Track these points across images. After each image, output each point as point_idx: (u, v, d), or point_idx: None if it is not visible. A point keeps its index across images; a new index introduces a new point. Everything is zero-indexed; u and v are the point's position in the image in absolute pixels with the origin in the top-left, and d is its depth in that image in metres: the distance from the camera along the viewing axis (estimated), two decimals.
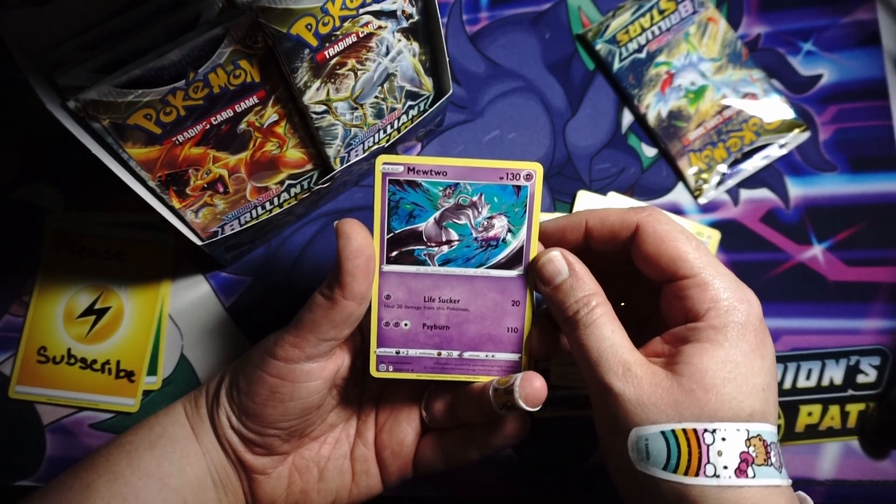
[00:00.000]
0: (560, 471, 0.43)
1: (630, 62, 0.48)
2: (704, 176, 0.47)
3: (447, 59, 0.39)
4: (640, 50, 0.48)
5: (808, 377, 0.45)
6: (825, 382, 0.45)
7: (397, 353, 0.34)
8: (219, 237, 0.39)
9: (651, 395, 0.28)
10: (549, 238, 0.34)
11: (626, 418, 0.29)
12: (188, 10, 0.32)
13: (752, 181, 0.47)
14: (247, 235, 0.41)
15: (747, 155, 0.47)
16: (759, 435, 0.28)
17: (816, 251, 0.46)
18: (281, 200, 0.41)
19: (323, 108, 0.37)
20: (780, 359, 0.45)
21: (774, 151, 0.47)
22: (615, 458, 0.30)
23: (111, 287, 0.44)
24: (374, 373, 0.34)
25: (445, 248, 0.33)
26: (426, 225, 0.33)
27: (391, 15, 0.36)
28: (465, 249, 0.33)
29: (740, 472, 0.27)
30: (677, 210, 0.47)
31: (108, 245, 0.44)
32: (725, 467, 0.27)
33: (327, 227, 0.46)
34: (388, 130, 0.41)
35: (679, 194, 0.47)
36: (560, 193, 0.47)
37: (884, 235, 0.46)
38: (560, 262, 0.32)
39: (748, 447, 0.27)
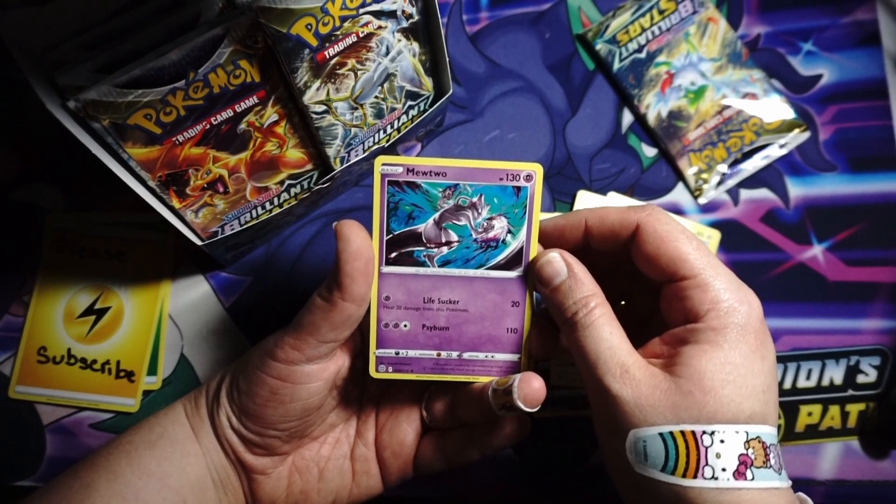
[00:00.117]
0: (560, 471, 0.43)
1: (630, 62, 0.48)
2: (704, 176, 0.47)
3: (447, 59, 0.39)
4: (640, 50, 0.48)
5: (808, 377, 0.45)
6: (825, 382, 0.45)
7: (396, 353, 0.34)
8: (219, 237, 0.39)
9: (649, 397, 0.28)
10: (548, 237, 0.34)
11: (624, 420, 0.29)
12: (188, 10, 0.32)
13: (752, 181, 0.47)
14: (247, 235, 0.41)
15: (747, 155, 0.47)
16: (758, 437, 0.28)
17: (816, 251, 0.46)
18: (281, 200, 0.41)
19: (323, 108, 0.37)
20: (780, 359, 0.45)
21: (774, 151, 0.47)
22: (614, 459, 0.30)
23: (111, 287, 0.44)
24: (373, 374, 0.34)
25: (445, 250, 0.33)
26: (426, 226, 0.32)
27: (391, 15, 0.36)
28: (465, 250, 0.33)
29: (739, 474, 0.27)
30: (677, 210, 0.47)
31: (108, 245, 0.44)
32: (724, 469, 0.27)
33: (327, 227, 0.46)
34: (388, 130, 0.41)
35: (679, 194, 0.47)
36: (560, 193, 0.47)
37: (884, 235, 0.46)
38: (559, 263, 0.32)
39: (747, 449, 0.27)
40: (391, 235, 0.32)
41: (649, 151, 0.48)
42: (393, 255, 0.33)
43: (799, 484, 0.43)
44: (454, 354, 0.34)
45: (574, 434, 0.44)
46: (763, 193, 0.47)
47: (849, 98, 0.48)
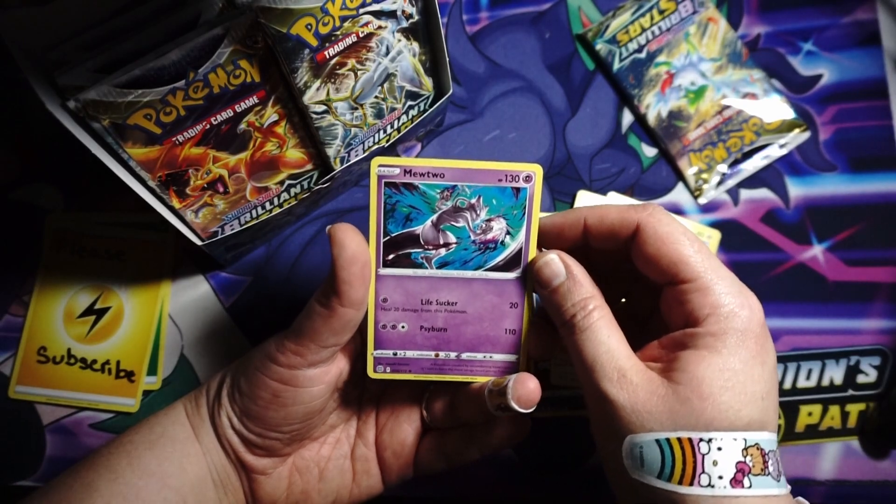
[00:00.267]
0: (560, 471, 0.43)
1: (630, 62, 0.48)
2: (704, 176, 0.47)
3: (447, 59, 0.39)
4: (640, 50, 0.48)
5: (808, 377, 0.45)
6: (825, 382, 0.45)
7: (394, 354, 0.34)
8: (219, 237, 0.39)
9: (646, 403, 0.28)
10: (547, 236, 0.33)
11: (620, 425, 0.28)
12: (188, 10, 0.32)
13: (752, 181, 0.47)
14: (247, 235, 0.41)
15: (747, 155, 0.47)
16: (756, 444, 0.27)
17: (816, 251, 0.46)
18: (281, 200, 0.41)
19: (323, 108, 0.37)
20: (780, 359, 0.45)
21: (774, 151, 0.47)
22: (611, 463, 0.30)
23: (111, 287, 0.44)
24: (371, 374, 0.34)
25: (443, 251, 0.32)
26: (423, 228, 0.32)
27: (391, 15, 0.36)
28: (463, 252, 0.32)
29: (736, 482, 0.27)
30: (677, 210, 0.47)
31: (108, 245, 0.44)
32: (720, 477, 0.27)
33: (327, 227, 0.46)
34: (388, 130, 0.41)
35: (679, 194, 0.47)
36: (560, 193, 0.47)
37: (884, 235, 0.46)
38: (557, 264, 0.31)
39: (745, 457, 0.27)
40: (388, 237, 0.32)
41: (649, 151, 0.48)
42: (390, 257, 0.32)
43: (799, 484, 0.43)
44: (452, 355, 0.34)
45: (574, 434, 0.44)
46: (763, 193, 0.47)
47: (849, 98, 0.48)
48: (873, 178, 0.47)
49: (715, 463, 0.27)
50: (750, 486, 0.27)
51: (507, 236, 0.32)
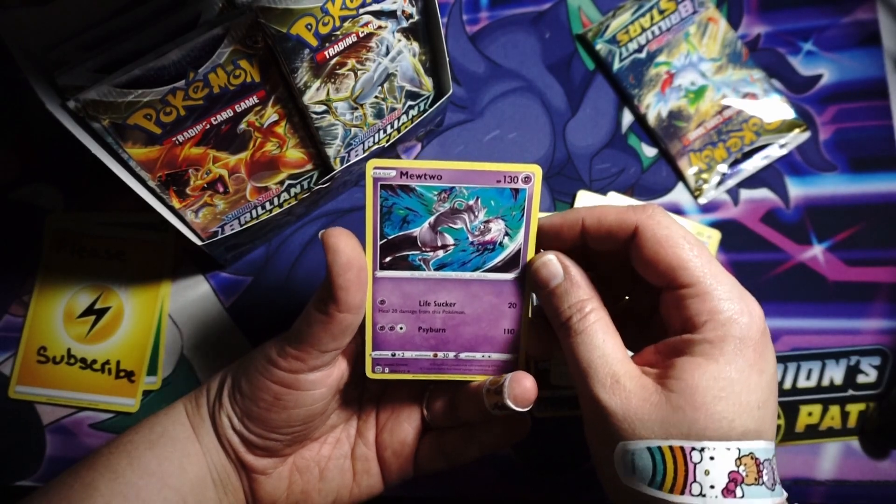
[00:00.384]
0: (560, 471, 0.43)
1: (630, 62, 0.48)
2: (704, 176, 0.47)
3: (447, 59, 0.39)
4: (640, 50, 0.48)
5: (808, 377, 0.45)
6: (825, 382, 0.45)
7: (393, 355, 0.34)
8: (219, 237, 0.39)
9: (638, 410, 0.28)
10: (545, 237, 0.33)
11: (612, 431, 0.28)
12: (188, 10, 0.32)
13: (752, 181, 0.47)
14: (247, 235, 0.41)
15: (747, 155, 0.47)
16: (751, 453, 0.27)
17: (816, 251, 0.46)
18: (281, 200, 0.41)
19: (323, 108, 0.37)
20: (780, 359, 0.45)
21: (774, 151, 0.47)
22: (604, 467, 0.29)
23: (111, 287, 0.44)
24: (369, 375, 0.34)
25: (441, 253, 0.32)
26: (421, 230, 0.32)
27: (391, 15, 0.36)
28: (461, 253, 0.32)
29: (728, 491, 0.26)
30: (677, 210, 0.47)
31: (108, 245, 0.44)
32: (712, 487, 0.26)
33: (327, 227, 0.46)
34: (388, 130, 0.41)
35: (679, 194, 0.47)
36: (560, 193, 0.47)
37: (884, 235, 0.46)
38: (555, 265, 0.31)
39: (738, 466, 0.27)
40: (385, 240, 0.32)
41: (649, 151, 0.48)
42: (387, 259, 0.32)
43: (799, 484, 0.43)
44: (451, 355, 0.34)
45: (574, 434, 0.44)
46: (763, 193, 0.47)
47: (849, 98, 0.48)
48: (873, 178, 0.47)
49: (707, 472, 0.26)
50: (742, 496, 0.26)
51: (506, 237, 0.32)
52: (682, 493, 0.26)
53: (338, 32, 0.35)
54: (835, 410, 0.44)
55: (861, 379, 0.45)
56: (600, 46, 0.48)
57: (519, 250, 0.32)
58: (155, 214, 0.36)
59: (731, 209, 0.47)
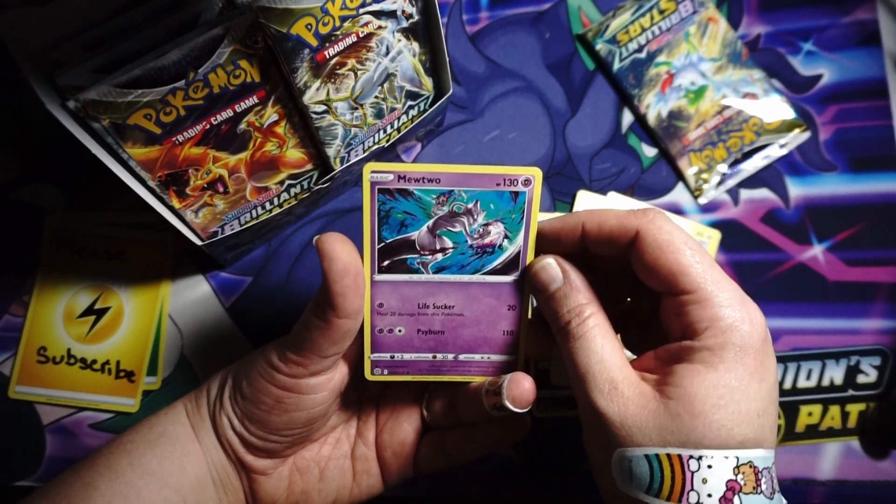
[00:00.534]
0: (560, 471, 0.43)
1: (630, 62, 0.48)
2: (704, 176, 0.47)
3: (447, 59, 0.39)
4: (640, 50, 0.48)
5: (808, 377, 0.45)
6: (825, 382, 0.45)
7: (392, 357, 0.34)
8: (219, 237, 0.39)
9: (636, 417, 0.27)
10: (544, 240, 0.33)
11: (610, 437, 0.28)
12: (188, 10, 0.32)
13: (752, 181, 0.47)
14: (247, 235, 0.41)
15: (747, 155, 0.47)
16: (750, 462, 0.27)
17: (816, 251, 0.46)
18: (281, 200, 0.41)
19: (323, 108, 0.37)
20: (780, 359, 0.45)
21: (774, 151, 0.47)
22: (601, 473, 0.29)
23: (111, 287, 0.44)
24: (369, 376, 0.34)
25: (439, 256, 0.32)
26: (419, 233, 0.32)
27: (391, 15, 0.36)
28: (460, 257, 0.32)
29: (725, 500, 0.26)
30: (677, 210, 0.47)
31: (108, 245, 0.44)
32: (709, 495, 0.26)
33: (327, 227, 0.46)
34: (388, 130, 0.41)
35: (679, 194, 0.47)
36: (560, 193, 0.47)
37: (884, 235, 0.46)
38: (554, 269, 0.31)
39: (736, 475, 0.26)
40: (383, 244, 0.32)
41: (649, 151, 0.48)
42: (385, 263, 0.32)
43: (799, 484, 0.43)
44: (450, 356, 0.34)
45: (574, 434, 0.44)
46: (763, 193, 0.47)
47: (849, 98, 0.48)
48: (873, 178, 0.47)
49: (704, 481, 0.26)
50: None
51: (505, 240, 0.32)
52: (680, 501, 0.26)
53: (338, 32, 0.35)
54: (835, 410, 0.44)
55: (861, 379, 0.45)
56: (600, 46, 0.48)
57: (518, 253, 0.32)
58: (155, 214, 0.36)
59: (731, 209, 0.47)
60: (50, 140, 0.46)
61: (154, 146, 0.34)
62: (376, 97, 0.39)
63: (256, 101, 0.35)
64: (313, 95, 0.36)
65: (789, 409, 0.44)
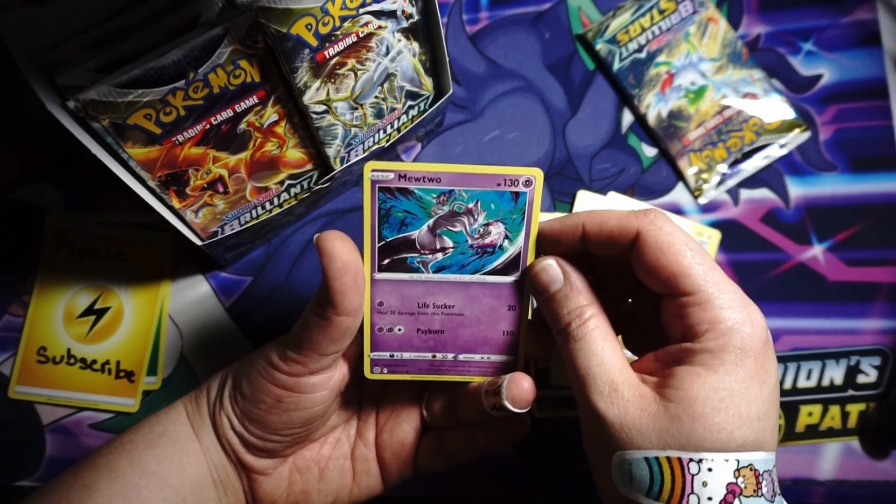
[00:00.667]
0: (560, 471, 0.43)
1: (630, 62, 0.48)
2: (704, 176, 0.47)
3: (447, 59, 0.39)
4: (640, 50, 0.48)
5: (808, 377, 0.45)
6: (825, 382, 0.45)
7: (391, 356, 0.34)
8: (219, 237, 0.39)
9: (636, 420, 0.27)
10: (545, 240, 0.33)
11: (610, 440, 0.28)
12: (188, 10, 0.32)
13: (752, 181, 0.47)
14: (247, 235, 0.41)
15: (747, 155, 0.47)
16: (750, 465, 0.27)
17: (816, 251, 0.46)
18: (281, 200, 0.41)
19: (323, 108, 0.37)
20: (781, 359, 0.45)
21: (775, 151, 0.47)
22: (601, 475, 0.29)
23: (111, 287, 0.44)
24: (368, 375, 0.34)
25: (440, 256, 0.32)
26: (419, 233, 0.32)
27: (391, 15, 0.36)
28: (460, 256, 0.32)
29: (726, 503, 0.26)
30: (677, 210, 0.47)
31: (108, 245, 0.44)
32: (710, 499, 0.26)
33: (327, 227, 0.46)
34: (388, 130, 0.41)
35: (679, 194, 0.47)
36: (560, 193, 0.47)
37: (884, 235, 0.46)
38: (555, 270, 0.31)
39: (737, 478, 0.26)
40: (383, 242, 0.32)
41: (649, 151, 0.48)
42: (385, 261, 0.32)
43: (799, 484, 0.43)
44: (449, 356, 0.34)
45: (574, 434, 0.43)
46: (763, 193, 0.47)
47: (849, 98, 0.48)
48: (873, 178, 0.47)
49: (704, 484, 0.26)
50: None
51: (506, 240, 0.32)
52: None
53: (338, 32, 0.35)
54: (835, 410, 0.44)
55: (861, 379, 0.45)
56: (600, 46, 0.48)
57: (519, 253, 0.32)
58: (155, 214, 0.36)
59: (731, 209, 0.47)
60: (50, 140, 0.46)
61: (154, 146, 0.34)
62: (376, 97, 0.39)
63: (256, 101, 0.35)
64: (313, 95, 0.36)
65: (789, 409, 0.44)
